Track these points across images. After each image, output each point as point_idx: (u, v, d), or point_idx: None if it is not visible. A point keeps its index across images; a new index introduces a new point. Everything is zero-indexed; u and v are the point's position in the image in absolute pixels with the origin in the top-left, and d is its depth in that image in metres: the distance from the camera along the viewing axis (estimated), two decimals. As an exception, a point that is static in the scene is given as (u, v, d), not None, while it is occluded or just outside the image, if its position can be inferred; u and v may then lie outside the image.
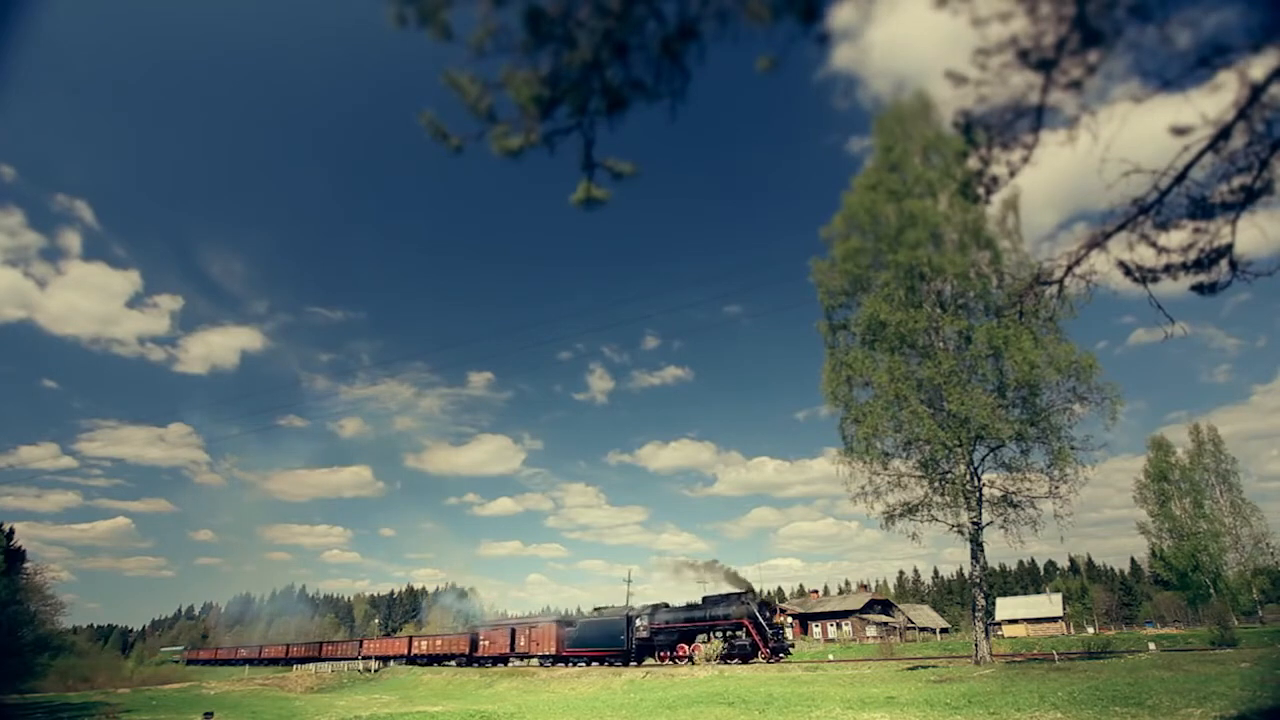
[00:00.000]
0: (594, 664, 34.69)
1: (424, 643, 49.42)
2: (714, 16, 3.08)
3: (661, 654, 32.32)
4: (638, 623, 33.81)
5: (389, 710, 23.14)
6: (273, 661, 61.34)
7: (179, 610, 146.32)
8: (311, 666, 45.12)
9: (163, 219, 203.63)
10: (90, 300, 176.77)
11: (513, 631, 42.59)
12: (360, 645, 55.02)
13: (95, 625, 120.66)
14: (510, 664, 41.64)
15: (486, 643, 43.90)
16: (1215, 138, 3.76)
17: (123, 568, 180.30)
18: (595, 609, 40.25)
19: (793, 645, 31.03)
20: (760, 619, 28.64)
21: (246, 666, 58.68)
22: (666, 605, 33.88)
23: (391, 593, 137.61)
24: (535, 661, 39.99)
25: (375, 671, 43.52)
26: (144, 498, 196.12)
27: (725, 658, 29.14)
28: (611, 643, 34.61)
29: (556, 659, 38.29)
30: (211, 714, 22.19)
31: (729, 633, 29.81)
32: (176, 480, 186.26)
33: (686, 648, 30.93)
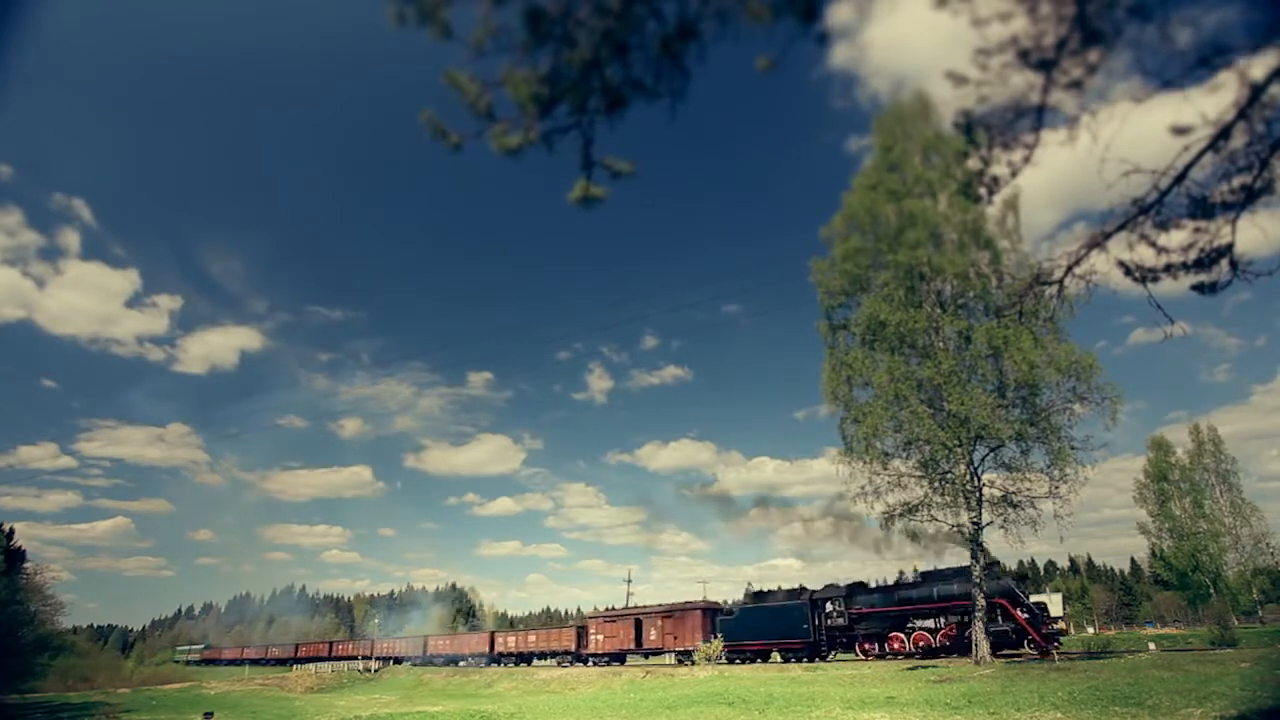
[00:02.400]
0: (758, 660, 29.37)
1: (512, 639, 42.96)
2: (714, 16, 3.08)
3: (865, 645, 26.15)
4: (829, 607, 27.62)
5: (389, 710, 23.15)
6: (311, 659, 54.03)
7: (179, 610, 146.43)
8: (312, 667, 45.12)
9: (162, 218, 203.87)
10: (89, 300, 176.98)
11: (638, 623, 35.09)
12: (425, 643, 48.46)
13: (95, 625, 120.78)
14: (627, 661, 34.82)
15: (600, 636, 36.74)
16: (1215, 138, 3.76)
17: (122, 568, 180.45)
18: (751, 592, 31.85)
19: (1065, 631, 25.13)
20: (1023, 598, 22.93)
21: (278, 667, 54.60)
22: (864, 585, 27.96)
23: (391, 592, 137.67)
24: (672, 658, 33.13)
25: (375, 671, 43.51)
26: (143, 498, 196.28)
27: (948, 650, 23.49)
28: (789, 633, 28.55)
29: (706, 655, 31.45)
30: (211, 714, 22.20)
31: (964, 616, 23.31)
32: (176, 480, 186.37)
33: (903, 638, 25.02)
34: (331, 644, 58.93)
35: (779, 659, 29.36)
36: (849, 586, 27.83)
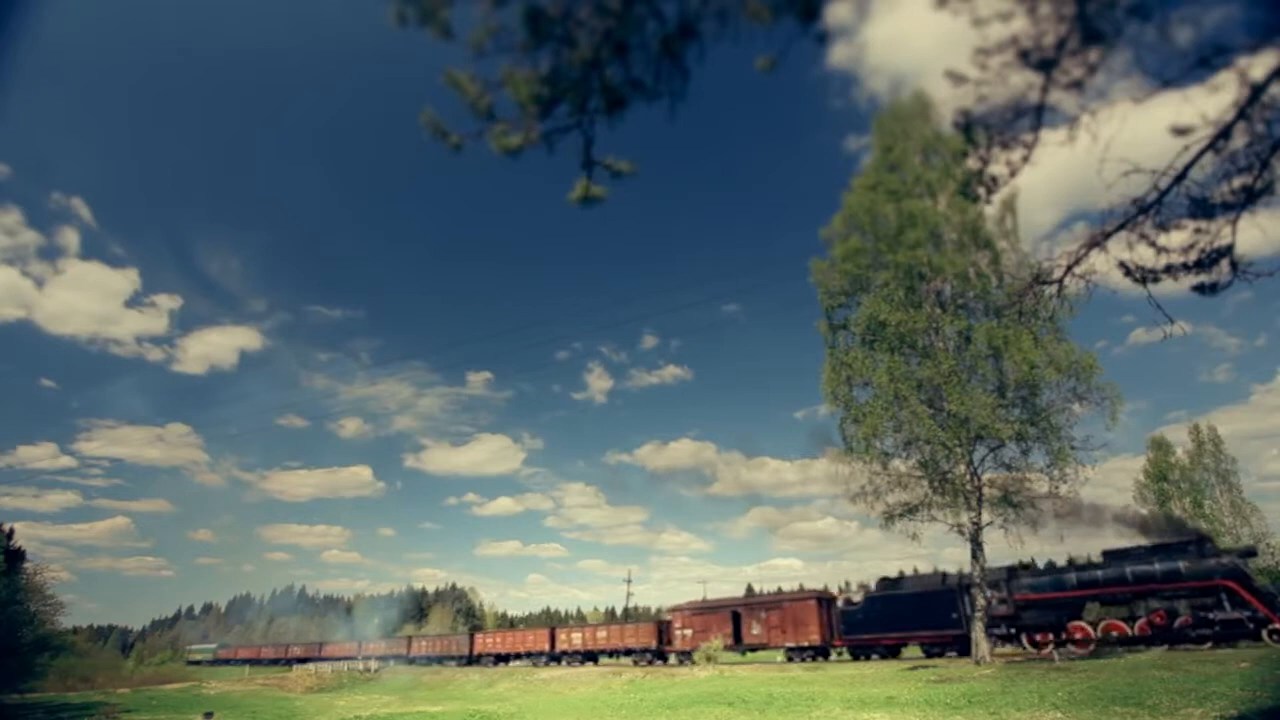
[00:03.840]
0: (887, 659, 25.75)
1: (577, 635, 38.94)
2: (714, 16, 3.08)
3: (1037, 637, 22.31)
4: (987, 593, 23.71)
5: (389, 710, 23.16)
6: (346, 659, 49.26)
7: (179, 610, 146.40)
8: (312, 666, 45.02)
9: (161, 217, 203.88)
10: (88, 299, 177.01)
11: (736, 616, 31.36)
12: (471, 640, 44.23)
13: (95, 625, 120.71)
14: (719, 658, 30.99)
15: (688, 632, 32.66)
16: (1215, 138, 3.76)
17: (122, 568, 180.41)
18: (882, 578, 28.14)
19: None
20: (1253, 579, 19.49)
21: (313, 665, 48.78)
22: (1025, 566, 24.62)
23: (391, 593, 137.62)
24: (782, 656, 29.65)
25: (375, 671, 43.48)
26: (143, 498, 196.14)
27: (1159, 641, 19.79)
28: (932, 624, 25.23)
29: (819, 651, 28.16)
30: (211, 714, 22.21)
31: (1173, 601, 19.96)
32: (176, 480, 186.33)
33: (1088, 628, 21.24)
34: (360, 643, 54.33)
35: (912, 654, 26.12)
36: (1008, 569, 24.24)
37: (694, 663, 30.29)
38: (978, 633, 20.31)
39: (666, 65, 3.23)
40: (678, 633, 33.28)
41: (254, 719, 25.06)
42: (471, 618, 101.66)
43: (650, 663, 33.71)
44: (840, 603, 28.51)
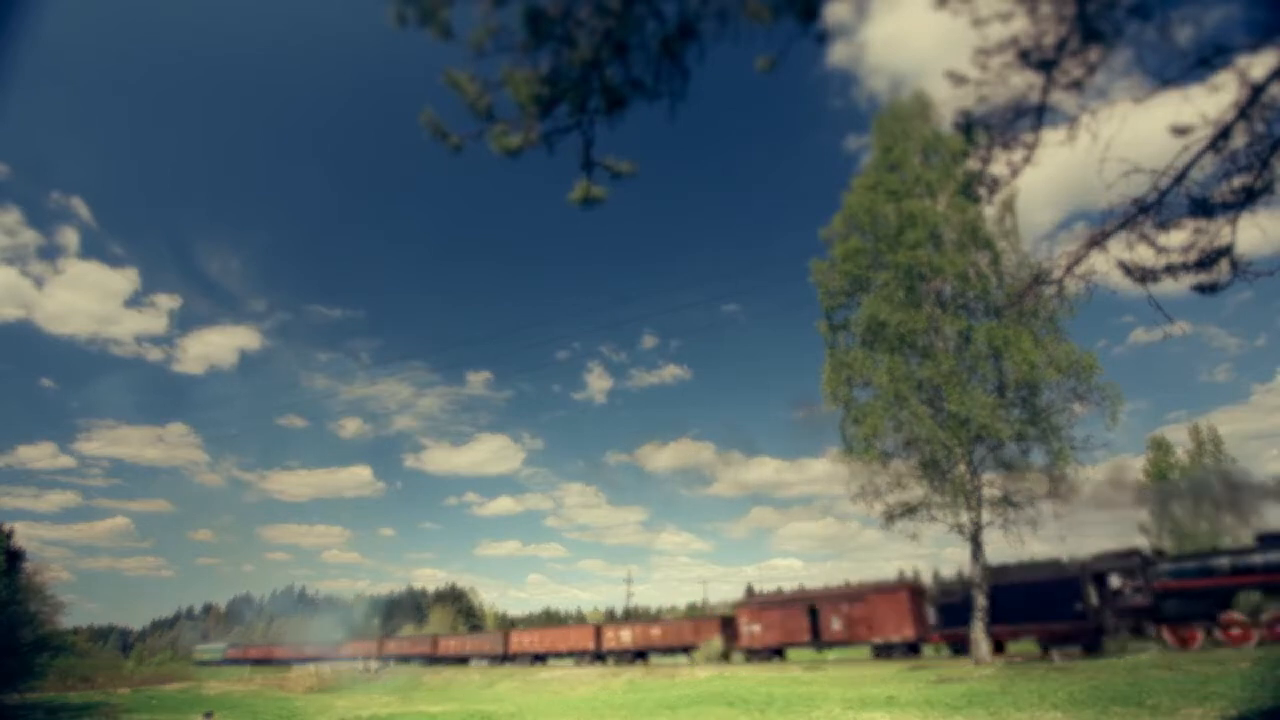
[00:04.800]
0: (996, 654, 22.21)
1: (626, 632, 35.57)
2: (714, 16, 3.08)
3: (1180, 631, 19.93)
4: (1114, 582, 21.58)
5: (389, 710, 23.15)
6: (365, 659, 46.59)
7: (179, 610, 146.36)
8: (311, 666, 44.87)
9: (161, 217, 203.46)
10: (88, 299, 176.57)
11: (813, 610, 28.86)
12: (506, 638, 40.69)
13: (95, 625, 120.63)
14: (787, 656, 29.35)
15: (756, 628, 30.61)
16: (1215, 138, 3.76)
17: (123, 568, 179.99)
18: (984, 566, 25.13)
19: None
20: None
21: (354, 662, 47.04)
22: (1161, 553, 22.36)
23: (390, 593, 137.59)
24: (870, 651, 27.62)
25: (375, 671, 43.44)
26: (143, 498, 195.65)
27: None
28: (1052, 614, 22.54)
29: (911, 647, 26.16)
30: (211, 714, 22.21)
31: None
32: (176, 480, 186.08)
33: (1247, 620, 18.72)
34: (382, 641, 52.01)
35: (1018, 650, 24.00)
36: (1141, 555, 21.85)
37: (782, 658, 29.13)
38: (977, 632, 20.31)
39: (666, 65, 3.23)
40: (745, 629, 30.90)
41: (254, 719, 25.06)
42: (471, 618, 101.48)
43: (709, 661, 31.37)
44: (935, 594, 26.19)
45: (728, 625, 32.61)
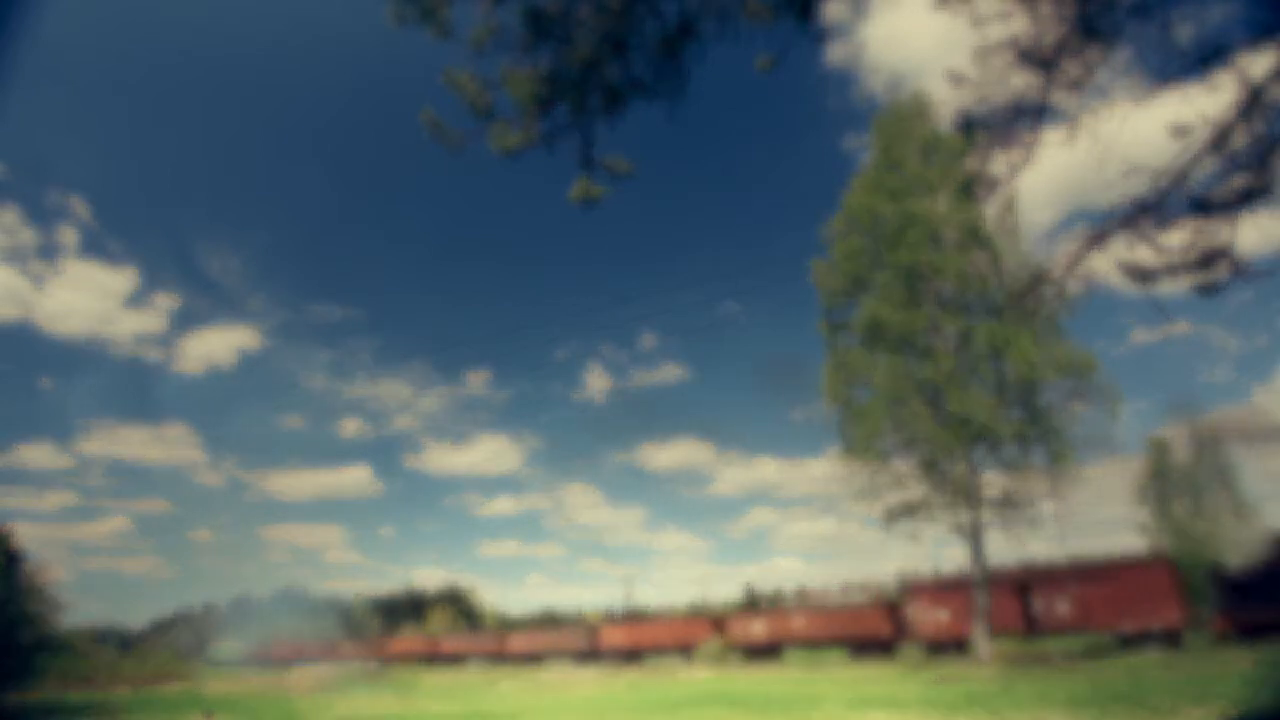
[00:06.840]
0: None
1: (757, 624, 30.40)
2: (713, 15, 3.08)
3: None
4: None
5: (389, 710, 23.14)
6: (453, 659, 43.62)
7: (178, 610, 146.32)
8: (311, 666, 44.82)
9: (161, 217, 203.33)
10: (87, 298, 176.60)
11: (1024, 590, 23.71)
12: (595, 634, 37.41)
13: (95, 625, 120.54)
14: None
15: (940, 614, 25.39)
16: (1215, 138, 3.76)
17: (122, 568, 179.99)
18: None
19: None
20: None
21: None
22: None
23: (391, 593, 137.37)
24: (1113, 641, 22.15)
25: (375, 671, 43.41)
26: (143, 498, 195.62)
27: None
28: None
29: (1171, 637, 20.89)
30: (211, 713, 22.19)
31: None
32: (175, 480, 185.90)
33: None
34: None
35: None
36: None
37: (970, 651, 22.21)
38: (979, 633, 20.31)
39: (666, 64, 3.23)
40: (922, 615, 25.38)
41: (254, 719, 25.06)
42: (471, 618, 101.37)
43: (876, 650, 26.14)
44: (1227, 567, 21.45)
45: (895, 611, 27.67)
